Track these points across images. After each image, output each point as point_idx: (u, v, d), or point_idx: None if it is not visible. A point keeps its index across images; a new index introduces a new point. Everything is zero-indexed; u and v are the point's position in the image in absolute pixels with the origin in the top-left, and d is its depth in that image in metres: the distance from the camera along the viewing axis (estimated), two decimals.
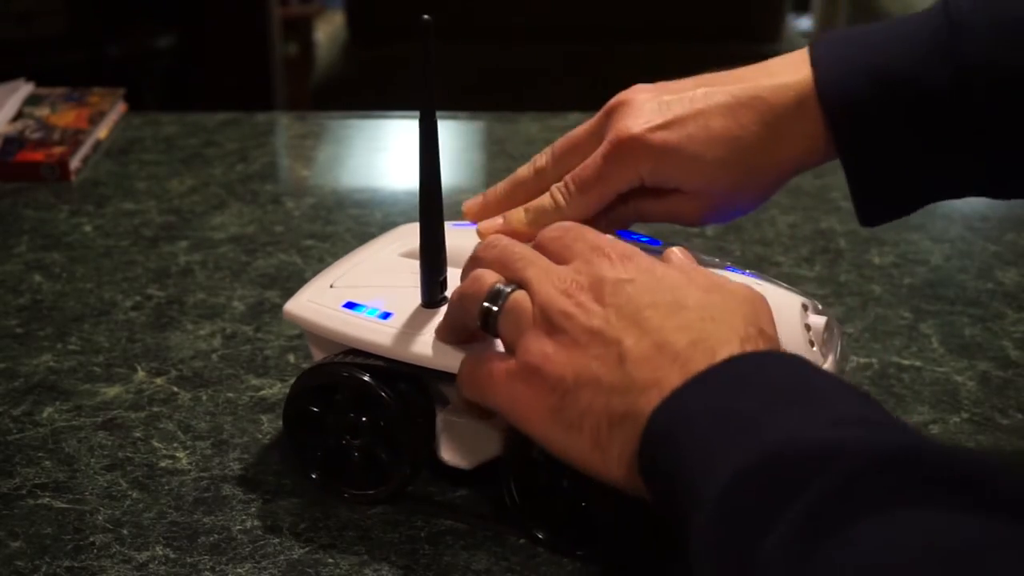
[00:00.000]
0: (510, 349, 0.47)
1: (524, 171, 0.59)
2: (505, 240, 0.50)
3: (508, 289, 0.48)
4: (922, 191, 0.55)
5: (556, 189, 0.56)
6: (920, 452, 0.35)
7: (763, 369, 0.42)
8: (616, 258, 0.47)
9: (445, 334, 0.51)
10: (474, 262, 0.51)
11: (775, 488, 0.36)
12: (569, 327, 0.45)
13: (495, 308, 0.48)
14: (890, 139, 0.53)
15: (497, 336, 0.48)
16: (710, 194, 0.56)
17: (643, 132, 0.54)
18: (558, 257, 0.49)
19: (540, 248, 0.50)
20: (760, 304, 0.47)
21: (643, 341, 0.44)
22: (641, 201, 0.57)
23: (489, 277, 0.49)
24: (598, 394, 0.44)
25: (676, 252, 0.51)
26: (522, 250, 0.49)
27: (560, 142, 0.58)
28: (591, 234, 0.49)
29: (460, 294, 0.50)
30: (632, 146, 0.54)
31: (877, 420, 0.39)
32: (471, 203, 0.59)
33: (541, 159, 0.59)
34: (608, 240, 0.49)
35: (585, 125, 0.58)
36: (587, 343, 0.45)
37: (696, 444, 0.40)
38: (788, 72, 0.54)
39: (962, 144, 0.52)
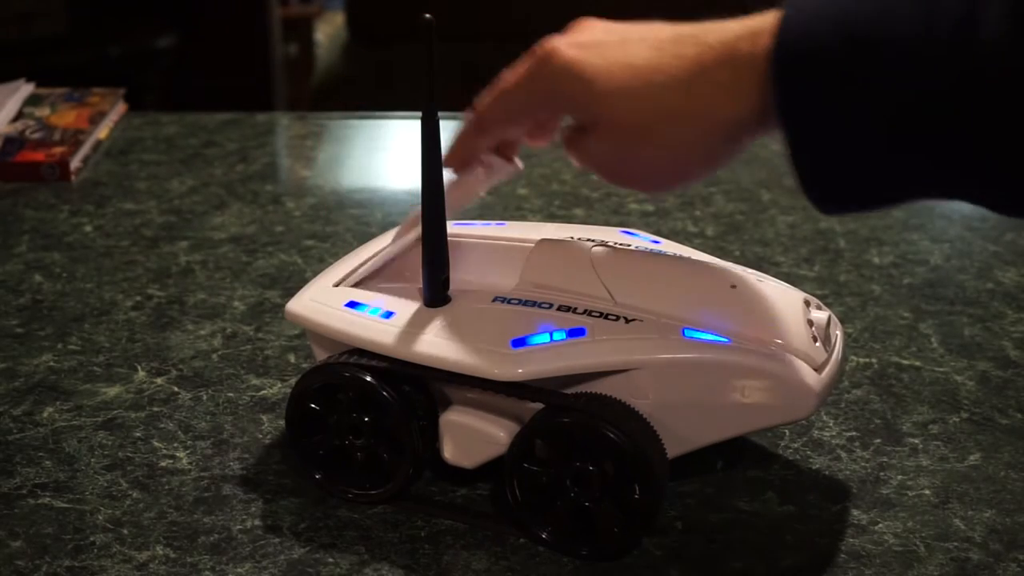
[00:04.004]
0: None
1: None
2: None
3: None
4: (884, 189, 0.44)
5: (476, 104, 0.54)
6: None
7: None
8: None
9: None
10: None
11: None
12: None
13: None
14: (850, 113, 0.42)
15: None
16: (622, 136, 0.49)
17: (561, 46, 0.50)
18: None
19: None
20: None
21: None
22: (573, 137, 0.52)
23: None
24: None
25: None
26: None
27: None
28: None
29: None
30: (546, 59, 0.50)
31: None
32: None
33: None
34: None
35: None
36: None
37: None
38: (748, 20, 0.46)
39: (951, 147, 0.41)
